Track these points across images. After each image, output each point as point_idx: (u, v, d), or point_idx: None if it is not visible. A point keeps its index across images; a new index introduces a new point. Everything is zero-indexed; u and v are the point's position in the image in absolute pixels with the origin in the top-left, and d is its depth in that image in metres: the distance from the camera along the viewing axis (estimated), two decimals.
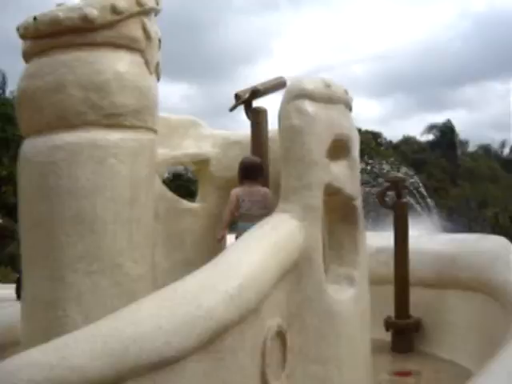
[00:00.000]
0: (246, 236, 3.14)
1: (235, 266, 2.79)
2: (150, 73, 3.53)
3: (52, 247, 3.23)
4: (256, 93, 4.55)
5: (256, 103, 4.74)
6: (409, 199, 5.50)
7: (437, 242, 5.80)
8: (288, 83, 3.52)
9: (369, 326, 3.91)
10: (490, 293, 4.99)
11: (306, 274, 3.31)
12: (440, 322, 5.40)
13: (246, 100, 4.60)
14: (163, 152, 4.57)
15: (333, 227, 3.80)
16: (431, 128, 44.87)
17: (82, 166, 3.23)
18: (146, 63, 3.51)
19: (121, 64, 3.38)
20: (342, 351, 3.50)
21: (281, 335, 3.09)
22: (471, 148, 43.87)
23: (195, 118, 4.99)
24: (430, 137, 45.21)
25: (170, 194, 4.77)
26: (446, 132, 44.18)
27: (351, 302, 3.64)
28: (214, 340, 2.55)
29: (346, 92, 3.81)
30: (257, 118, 4.57)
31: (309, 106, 3.45)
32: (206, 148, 4.90)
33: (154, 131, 3.60)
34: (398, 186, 5.42)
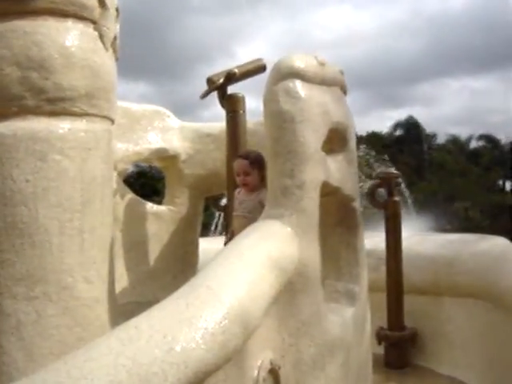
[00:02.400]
0: (228, 250, 2.50)
1: (217, 291, 2.15)
2: (106, 48, 2.86)
3: None
4: (231, 77, 3.94)
5: (231, 89, 4.13)
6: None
7: (431, 243, 5.25)
8: (273, 63, 2.91)
9: (369, 347, 3.34)
10: (494, 300, 4.47)
11: (301, 293, 2.70)
12: (437, 333, 4.86)
13: (220, 85, 3.97)
14: (124, 147, 3.93)
15: (328, 234, 3.19)
16: (397, 125, 44.86)
17: (19, 164, 2.55)
18: (101, 36, 2.83)
19: (68, 36, 2.69)
20: (344, 382, 2.91)
21: (273, 372, 2.47)
22: (440, 140, 44.02)
23: (161, 108, 4.33)
24: (397, 132, 45.16)
25: (131, 196, 4.13)
26: (409, 128, 44.21)
27: (352, 323, 3.05)
28: None
29: (341, 72, 3.21)
30: (233, 105, 3.96)
31: (301, 88, 2.83)
32: (174, 142, 4.26)
33: (111, 120, 2.94)
34: (390, 182, 4.86)
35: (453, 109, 77.53)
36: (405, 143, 42.32)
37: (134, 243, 4.07)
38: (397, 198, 4.95)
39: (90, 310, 2.71)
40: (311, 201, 2.80)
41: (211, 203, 5.41)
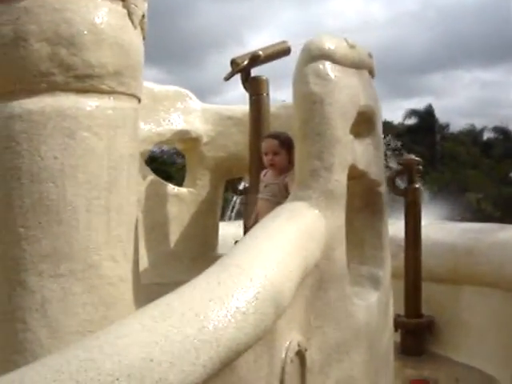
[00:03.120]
0: (256, 231, 2.48)
1: (247, 270, 2.14)
2: (134, 26, 2.83)
3: (9, 243, 2.55)
4: (256, 59, 3.90)
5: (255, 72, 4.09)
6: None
7: (450, 231, 5.21)
8: (302, 45, 2.86)
9: (392, 333, 3.32)
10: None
11: (327, 276, 2.68)
12: (455, 322, 4.83)
13: (244, 67, 3.93)
14: (147, 127, 3.91)
15: (353, 218, 3.16)
16: (412, 113, 44.39)
17: (47, 140, 2.53)
18: (129, 14, 2.80)
19: (97, 13, 2.66)
20: (368, 368, 2.89)
21: (300, 354, 2.45)
22: (452, 131, 43.60)
23: (183, 89, 4.30)
24: (411, 121, 44.78)
25: (153, 177, 4.13)
26: (425, 117, 43.83)
27: (376, 307, 3.03)
28: (222, 371, 1.91)
29: (370, 55, 3.17)
30: (256, 88, 3.93)
31: (331, 70, 2.80)
32: (196, 124, 4.24)
33: (138, 99, 2.92)
34: (411, 169, 4.82)
35: (464, 100, 76.86)
36: (418, 133, 42.01)
37: (155, 224, 4.06)
38: (417, 185, 4.91)
39: (115, 288, 2.71)
40: (339, 183, 2.77)
41: (229, 187, 5.38)
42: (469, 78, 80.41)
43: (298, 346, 2.42)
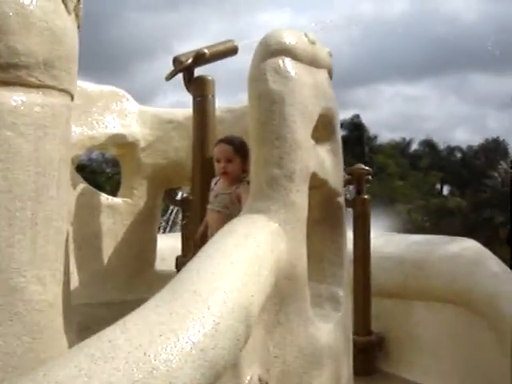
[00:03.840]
0: (210, 249, 2.15)
1: (204, 297, 1.80)
2: (68, 11, 2.45)
3: None
4: (201, 57, 3.57)
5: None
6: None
7: (398, 244, 5.04)
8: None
9: (351, 354, 3.06)
10: (466, 305, 4.30)
11: (288, 298, 2.38)
12: (406, 339, 4.64)
13: (188, 66, 3.59)
14: (77, 130, 3.51)
15: (311, 231, 2.87)
16: (341, 125, 45.01)
17: None
18: None
19: None
20: None
21: None
22: (380, 141, 44.61)
23: (119, 90, 3.92)
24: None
25: (84, 186, 3.72)
26: (352, 130, 44.61)
27: (337, 330, 2.76)
28: None
29: (329, 54, 2.92)
30: (201, 89, 3.60)
31: (291, 67, 2.52)
32: (133, 127, 3.86)
33: (71, 95, 2.54)
34: (360, 179, 4.61)
35: (387, 114, 78.87)
36: (346, 144, 42.65)
37: (87, 238, 3.65)
38: (366, 196, 4.71)
39: (42, 315, 2.31)
40: (301, 194, 2.49)
41: (165, 196, 5.01)
42: (391, 93, 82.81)
43: (260, 380, 2.11)
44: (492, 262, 4.45)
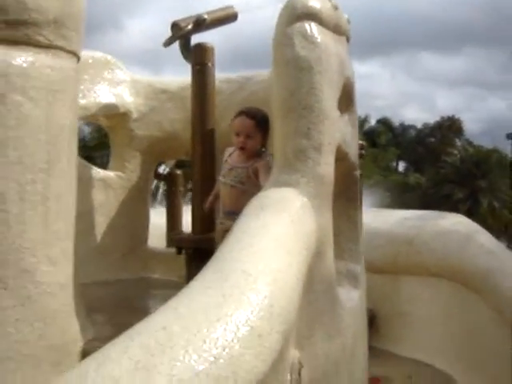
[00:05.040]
0: (243, 225, 1.99)
1: (254, 276, 1.66)
2: None
3: None
4: (201, 23, 3.38)
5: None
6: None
7: (387, 220, 4.97)
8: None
9: (366, 331, 2.99)
10: (459, 279, 4.28)
11: (318, 276, 2.26)
12: (397, 315, 4.58)
13: (187, 33, 3.39)
14: None
15: None
16: None
17: None
18: None
19: None
20: (352, 380, 2.52)
21: (300, 373, 2.02)
22: None
23: (110, 57, 3.68)
24: None
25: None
26: None
27: (358, 308, 2.66)
28: None
29: (348, 21, 2.77)
30: (201, 57, 3.41)
31: (318, 32, 2.36)
32: (126, 97, 3.64)
33: (78, 58, 2.32)
34: None
35: None
36: None
37: (79, 214, 3.42)
38: (357, 173, 4.60)
39: (54, 298, 2.12)
40: (328, 167, 2.35)
41: None
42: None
43: (299, 363, 1.99)
44: (484, 237, 4.43)
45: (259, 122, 2.86)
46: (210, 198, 3.13)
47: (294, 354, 1.98)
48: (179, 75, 3.90)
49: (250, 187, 2.76)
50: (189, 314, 1.47)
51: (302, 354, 2.16)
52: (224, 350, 1.39)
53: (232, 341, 1.42)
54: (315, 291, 2.26)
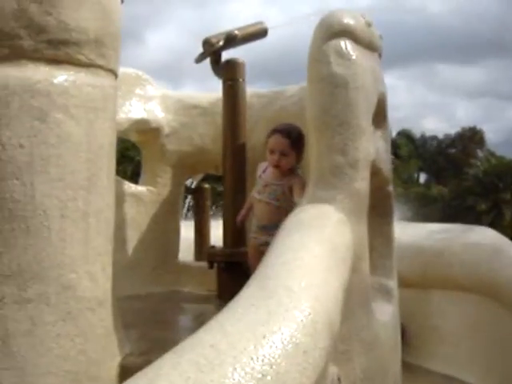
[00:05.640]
0: (284, 241, 2.00)
1: (297, 293, 1.66)
2: None
3: None
4: (232, 39, 3.41)
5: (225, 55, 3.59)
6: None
7: (415, 233, 4.95)
8: (320, 18, 2.41)
9: (399, 347, 2.97)
10: (489, 294, 4.23)
11: (355, 292, 2.26)
12: (427, 329, 4.55)
13: (218, 49, 3.43)
14: None
15: None
16: None
17: (11, 123, 1.94)
18: None
19: None
20: None
21: None
22: None
23: (141, 72, 3.73)
24: None
25: None
26: None
27: (391, 324, 2.65)
28: None
29: (381, 37, 2.78)
30: (232, 73, 3.44)
31: (353, 49, 2.38)
32: (157, 113, 3.69)
33: (116, 76, 2.36)
34: None
35: None
36: None
37: None
38: (390, 188, 4.59)
39: (93, 314, 2.15)
40: (364, 182, 2.36)
41: None
42: None
43: (338, 379, 1.99)
44: None
45: (294, 141, 2.87)
46: (243, 211, 3.15)
47: (333, 369, 1.98)
48: (199, 89, 3.95)
49: (284, 203, 2.79)
50: (235, 331, 1.48)
51: (339, 370, 2.16)
52: (271, 367, 1.40)
53: (278, 357, 1.43)
54: (352, 306, 2.26)
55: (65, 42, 2.04)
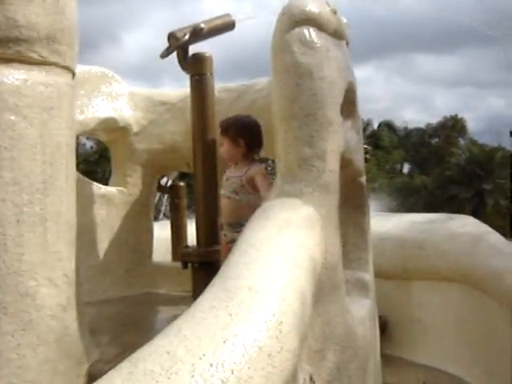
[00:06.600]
0: (249, 238, 1.93)
1: (261, 294, 1.59)
2: None
3: None
4: (198, 33, 3.32)
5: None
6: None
7: (396, 224, 4.90)
8: (283, 8, 2.33)
9: (378, 342, 2.92)
10: (471, 282, 4.20)
11: (327, 288, 2.19)
12: (410, 321, 4.51)
13: (184, 43, 3.34)
14: None
15: None
16: None
17: None
18: None
19: None
20: None
21: None
22: None
23: (107, 70, 3.63)
24: None
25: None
26: None
27: (368, 318, 2.59)
28: None
29: (347, 25, 2.71)
30: (199, 67, 3.35)
31: (317, 37, 2.30)
32: (125, 111, 3.59)
33: (73, 73, 2.27)
34: None
35: None
36: None
37: (81, 231, 3.35)
38: (362, 179, 4.54)
39: (56, 321, 2.06)
40: (333, 175, 2.29)
41: None
42: None
43: (311, 380, 1.92)
44: (494, 237, 4.36)
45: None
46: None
47: (306, 369, 1.91)
48: (178, 87, 3.87)
49: (243, 197, 2.75)
50: (194, 336, 1.41)
51: (313, 369, 2.10)
52: (232, 373, 1.33)
53: (240, 363, 1.36)
54: (324, 303, 2.19)
55: (14, 40, 1.95)
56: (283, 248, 1.84)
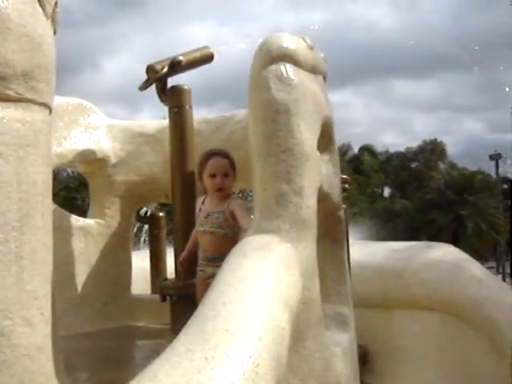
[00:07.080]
0: (226, 277, 1.92)
1: (238, 336, 1.58)
2: (46, 16, 2.19)
3: None
4: (177, 65, 3.35)
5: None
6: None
7: (375, 252, 4.93)
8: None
9: (358, 376, 2.90)
10: (451, 311, 4.22)
11: (305, 325, 2.18)
12: (390, 349, 4.52)
13: (163, 76, 3.36)
14: None
15: None
16: None
17: None
18: (40, 1, 2.16)
19: None
20: None
21: None
22: None
23: (85, 102, 3.63)
24: None
25: (53, 207, 3.39)
26: None
27: (347, 352, 2.58)
28: None
29: (324, 59, 2.75)
30: (178, 99, 3.38)
31: (294, 74, 2.33)
32: (103, 142, 3.59)
33: (50, 110, 2.27)
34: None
35: None
36: None
37: (58, 264, 3.30)
38: (344, 206, 4.56)
39: (31, 361, 2.02)
40: (310, 210, 2.30)
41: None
42: None
43: None
44: (474, 266, 4.40)
45: (232, 161, 2.89)
46: (184, 254, 3.10)
47: None
48: (158, 113, 3.88)
49: (229, 230, 2.75)
50: (169, 381, 1.40)
51: None
52: None
53: None
54: (303, 339, 2.19)
55: None
56: (260, 287, 1.84)
